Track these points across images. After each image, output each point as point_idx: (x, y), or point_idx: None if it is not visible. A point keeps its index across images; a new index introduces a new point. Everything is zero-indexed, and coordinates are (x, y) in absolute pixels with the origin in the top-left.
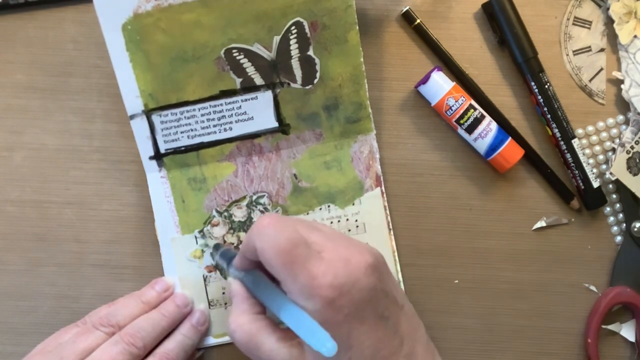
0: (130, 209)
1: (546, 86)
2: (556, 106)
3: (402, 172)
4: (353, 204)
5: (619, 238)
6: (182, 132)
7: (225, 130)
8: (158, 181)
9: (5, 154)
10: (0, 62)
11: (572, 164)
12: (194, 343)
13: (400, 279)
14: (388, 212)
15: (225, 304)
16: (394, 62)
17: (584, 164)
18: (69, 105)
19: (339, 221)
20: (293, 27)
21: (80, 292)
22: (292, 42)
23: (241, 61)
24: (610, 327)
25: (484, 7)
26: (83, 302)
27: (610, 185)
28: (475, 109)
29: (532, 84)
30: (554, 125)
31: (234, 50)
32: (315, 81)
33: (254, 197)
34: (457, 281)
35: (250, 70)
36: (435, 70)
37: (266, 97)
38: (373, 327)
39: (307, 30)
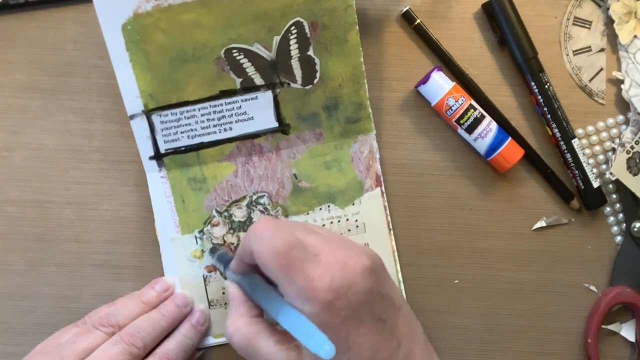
0: (130, 209)
1: (546, 86)
2: (556, 106)
3: (402, 172)
4: (353, 204)
5: (619, 238)
6: (182, 132)
7: (225, 130)
8: (158, 181)
9: (5, 154)
10: (0, 62)
11: (572, 164)
12: (194, 343)
13: (400, 279)
14: (388, 212)
15: (225, 304)
16: (394, 62)
17: (584, 164)
18: (69, 105)
19: (339, 221)
20: (293, 27)
21: (80, 292)
22: (292, 42)
23: (241, 61)
24: (610, 327)
25: (484, 7)
26: (83, 302)
27: (610, 185)
28: (475, 109)
29: (532, 84)
30: (554, 125)
31: (234, 50)
32: (315, 81)
33: (254, 197)
34: (457, 281)
35: (250, 70)
36: (435, 70)
37: (266, 97)
38: (370, 330)
39: (307, 30)
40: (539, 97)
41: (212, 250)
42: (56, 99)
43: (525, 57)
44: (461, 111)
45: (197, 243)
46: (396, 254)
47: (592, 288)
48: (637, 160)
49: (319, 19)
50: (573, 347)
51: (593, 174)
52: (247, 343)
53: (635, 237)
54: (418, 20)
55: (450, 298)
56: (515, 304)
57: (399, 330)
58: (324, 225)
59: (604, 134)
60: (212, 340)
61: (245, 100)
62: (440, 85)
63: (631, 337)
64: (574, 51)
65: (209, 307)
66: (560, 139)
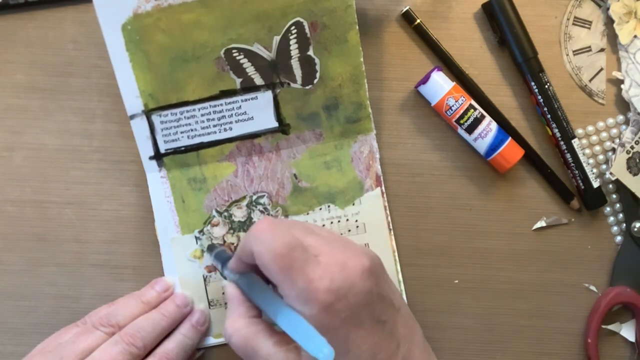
0: (130, 209)
1: (546, 86)
2: (556, 106)
3: (402, 172)
4: (353, 204)
5: (619, 238)
6: (182, 132)
7: (225, 130)
8: (158, 181)
9: (5, 154)
10: (0, 62)
11: (572, 164)
12: (194, 343)
13: (400, 279)
14: (388, 212)
15: (225, 304)
16: (394, 62)
17: (584, 164)
18: (69, 105)
19: (339, 221)
20: (293, 27)
21: (80, 292)
22: (292, 42)
23: (241, 61)
24: (610, 327)
25: (484, 7)
26: (83, 302)
27: (610, 185)
28: (475, 109)
29: (532, 84)
30: (554, 125)
31: (233, 50)
32: (315, 81)
33: (254, 197)
34: (457, 281)
35: (250, 70)
36: (435, 70)
37: (266, 97)
38: (370, 331)
39: (307, 30)
40: (539, 97)
41: (210, 248)
42: (56, 99)
43: (525, 57)
44: (461, 111)
45: (197, 243)
46: (396, 254)
47: (592, 288)
48: (637, 160)
49: (319, 18)
50: (573, 347)
51: (593, 174)
52: (246, 344)
53: (635, 237)
54: (418, 20)
55: (450, 298)
56: (515, 304)
57: (398, 332)
58: (324, 225)
59: (604, 134)
60: (212, 340)
61: (245, 100)
62: (440, 85)
63: (631, 337)
64: (574, 51)
65: (209, 307)
66: (560, 139)
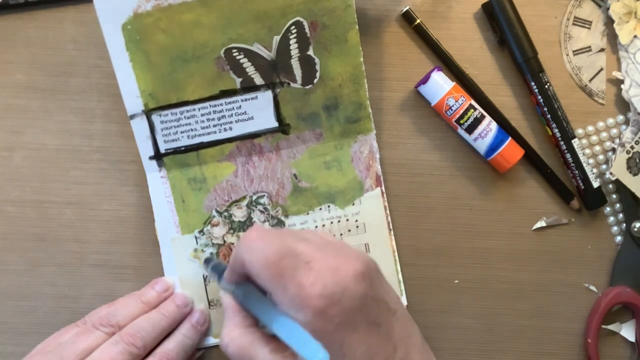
0: (130, 209)
1: (546, 86)
2: (556, 106)
3: (402, 172)
4: (353, 204)
5: (619, 238)
6: (182, 132)
7: (225, 130)
8: (158, 181)
9: (5, 154)
10: (0, 62)
11: (572, 164)
12: (194, 343)
13: (400, 279)
14: (388, 212)
15: None
16: (394, 62)
17: (584, 164)
18: (69, 105)
19: (339, 221)
20: (293, 27)
21: (80, 292)
22: (292, 41)
23: (241, 61)
24: (610, 327)
25: (484, 7)
26: (83, 302)
27: (610, 185)
28: (475, 109)
29: (532, 84)
30: (554, 125)
31: (233, 50)
32: (315, 81)
33: (254, 197)
34: (457, 281)
35: (250, 70)
36: (435, 70)
37: (266, 97)
38: (365, 335)
39: (307, 30)
40: (539, 97)
41: (207, 261)
42: (56, 99)
43: (525, 57)
44: (461, 111)
45: (197, 243)
46: (396, 254)
47: (592, 288)
48: (637, 160)
49: (318, 18)
50: (573, 347)
51: (593, 174)
52: (242, 353)
53: (635, 237)
54: (418, 20)
55: (450, 298)
56: (515, 304)
57: (394, 334)
58: (324, 225)
59: (604, 134)
60: (212, 340)
61: (245, 100)
62: (440, 85)
63: (631, 337)
64: (574, 51)
65: (209, 307)
66: (560, 139)
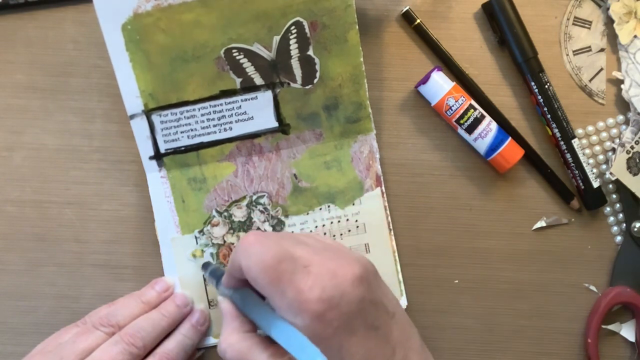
0: (130, 209)
1: (546, 86)
2: (556, 106)
3: (402, 172)
4: (353, 204)
5: (619, 238)
6: (182, 132)
7: (225, 130)
8: (158, 181)
9: (5, 154)
10: (0, 62)
11: (572, 164)
12: (194, 343)
13: (400, 279)
14: (388, 212)
15: None
16: (394, 62)
17: (584, 164)
18: (69, 105)
19: (339, 221)
20: (293, 27)
21: (80, 292)
22: (292, 41)
23: (241, 61)
24: (610, 327)
25: (484, 7)
26: (83, 302)
27: (610, 185)
28: (475, 109)
29: (532, 84)
30: (554, 125)
31: (233, 50)
32: (315, 81)
33: (254, 197)
34: (457, 281)
35: (250, 70)
36: (435, 70)
37: (266, 97)
38: (363, 338)
39: (307, 30)
40: (539, 97)
41: (205, 266)
42: (56, 99)
43: (525, 57)
44: (461, 111)
45: (197, 243)
46: (396, 254)
47: (592, 288)
48: (637, 160)
49: (318, 18)
50: (573, 347)
51: (593, 174)
52: (240, 358)
53: (635, 237)
54: (418, 20)
55: (450, 298)
56: (515, 304)
57: (393, 337)
58: (323, 225)
59: (604, 134)
60: (212, 340)
61: (245, 100)
62: (440, 85)
63: (631, 337)
64: (574, 51)
65: (209, 307)
66: (560, 139)
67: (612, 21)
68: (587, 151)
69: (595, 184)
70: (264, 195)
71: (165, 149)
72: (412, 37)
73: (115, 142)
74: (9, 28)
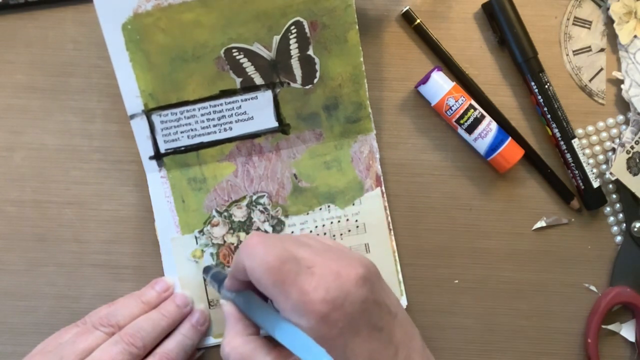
0: (130, 209)
1: (546, 86)
2: (556, 106)
3: (402, 172)
4: (353, 204)
5: (619, 238)
6: (182, 132)
7: (225, 130)
8: (158, 181)
9: (5, 154)
10: (0, 62)
11: (572, 164)
12: (194, 343)
13: (400, 279)
14: (388, 212)
15: None
16: (394, 62)
17: (584, 164)
18: (69, 105)
19: (339, 221)
20: (293, 27)
21: (80, 292)
22: (292, 41)
23: (241, 61)
24: (610, 327)
25: (484, 7)
26: (83, 302)
27: (610, 185)
28: (475, 109)
29: (532, 84)
30: (554, 125)
31: (233, 50)
32: (315, 81)
33: (254, 197)
34: (457, 281)
35: (250, 70)
36: (435, 70)
37: (266, 96)
38: (367, 339)
39: (306, 29)
40: (539, 97)
41: (207, 270)
42: (56, 99)
43: (525, 57)
44: (461, 111)
45: (197, 243)
46: (396, 254)
47: (592, 288)
48: (637, 160)
49: (318, 18)
50: (573, 347)
51: (593, 174)
52: None
53: (635, 237)
54: (418, 20)
55: (450, 298)
56: (515, 304)
57: (395, 338)
58: (323, 225)
59: (604, 134)
60: (212, 340)
61: (245, 100)
62: (440, 85)
63: (631, 337)
64: (574, 51)
65: (209, 307)
66: (560, 139)
67: (612, 21)
68: (587, 151)
69: (595, 184)
70: (264, 195)
71: (165, 149)
72: (412, 37)
73: (115, 142)
74: (9, 28)
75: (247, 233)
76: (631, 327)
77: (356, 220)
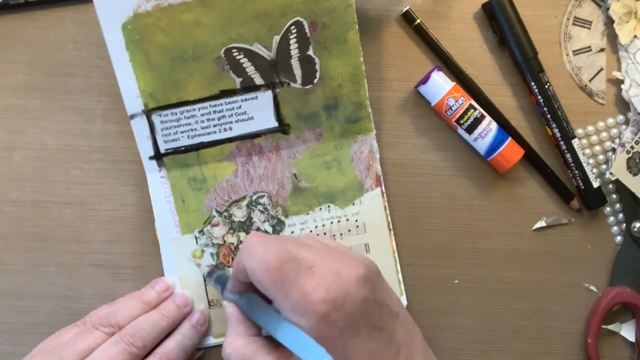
0: (130, 209)
1: (546, 86)
2: (556, 106)
3: (402, 172)
4: (353, 204)
5: (619, 238)
6: (182, 132)
7: (225, 130)
8: (158, 181)
9: (5, 154)
10: (0, 62)
11: (572, 164)
12: (194, 343)
13: (400, 279)
14: (388, 212)
15: None
16: (394, 62)
17: (584, 164)
18: (69, 105)
19: (339, 221)
20: (293, 27)
21: (80, 292)
22: (292, 41)
23: (241, 61)
24: (610, 327)
25: (484, 7)
26: (83, 302)
27: (610, 185)
28: (475, 109)
29: (532, 84)
30: (554, 125)
31: (233, 50)
32: (315, 81)
33: (254, 197)
34: (457, 281)
35: (250, 70)
36: (435, 70)
37: (266, 96)
38: (368, 338)
39: (306, 29)
40: (539, 97)
41: (210, 273)
42: (56, 99)
43: (525, 57)
44: (461, 111)
45: (197, 243)
46: (396, 254)
47: (592, 288)
48: (637, 160)
49: (318, 18)
50: (573, 347)
51: (593, 174)
52: None
53: (635, 237)
54: (418, 20)
55: (450, 298)
56: (515, 304)
57: (397, 338)
58: (323, 225)
59: (604, 134)
60: (212, 340)
61: (245, 100)
62: (440, 85)
63: (631, 337)
64: (574, 51)
65: (209, 307)
66: (560, 139)
67: (612, 21)
68: (587, 151)
69: (595, 184)
70: (264, 195)
71: (165, 149)
72: (412, 37)
73: (115, 142)
74: (9, 28)
75: (247, 233)
76: (631, 327)
77: (356, 220)
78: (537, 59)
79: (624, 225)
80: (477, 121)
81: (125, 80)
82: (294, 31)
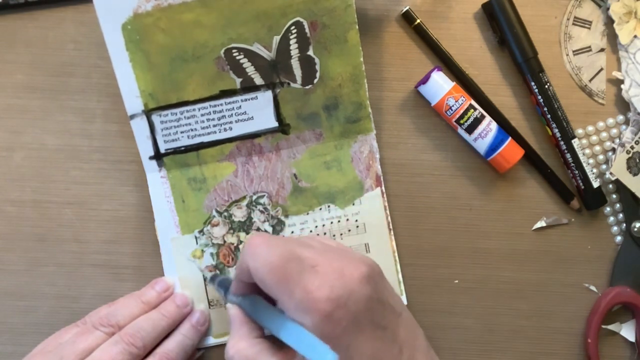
0: (130, 209)
1: (546, 86)
2: (556, 106)
3: (402, 172)
4: (353, 204)
5: (619, 238)
6: (182, 132)
7: (225, 130)
8: (158, 181)
9: (5, 154)
10: (0, 62)
11: (572, 164)
12: (194, 343)
13: (400, 279)
14: (388, 212)
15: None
16: (394, 62)
17: (584, 164)
18: (69, 105)
19: (339, 221)
20: (293, 27)
21: (80, 292)
22: (292, 41)
23: (241, 61)
24: (610, 327)
25: (484, 7)
26: (83, 302)
27: (610, 185)
28: (475, 109)
29: (532, 84)
30: (554, 125)
31: (233, 50)
32: (315, 81)
33: (254, 197)
34: (457, 281)
35: (250, 70)
36: (435, 70)
37: (266, 97)
38: (371, 337)
39: (306, 30)
40: (539, 97)
41: (213, 278)
42: (56, 99)
43: (525, 57)
44: (461, 111)
45: (197, 243)
46: (396, 254)
47: (592, 288)
48: (637, 160)
49: (318, 18)
50: (573, 347)
51: (593, 174)
52: None
53: (635, 237)
54: (418, 20)
55: (450, 298)
56: (515, 304)
57: (400, 337)
58: (323, 225)
59: (604, 134)
60: (212, 340)
61: (245, 100)
62: (440, 85)
63: (631, 337)
64: (574, 51)
65: (209, 307)
66: (560, 139)
67: (612, 21)
68: (587, 151)
69: (595, 184)
70: (264, 195)
71: (165, 149)
72: (412, 37)
73: (115, 142)
74: (9, 28)
75: (247, 233)
76: (631, 327)
77: (356, 220)
78: (537, 59)
79: (624, 225)
80: (477, 121)
81: (125, 80)
82: (294, 31)
